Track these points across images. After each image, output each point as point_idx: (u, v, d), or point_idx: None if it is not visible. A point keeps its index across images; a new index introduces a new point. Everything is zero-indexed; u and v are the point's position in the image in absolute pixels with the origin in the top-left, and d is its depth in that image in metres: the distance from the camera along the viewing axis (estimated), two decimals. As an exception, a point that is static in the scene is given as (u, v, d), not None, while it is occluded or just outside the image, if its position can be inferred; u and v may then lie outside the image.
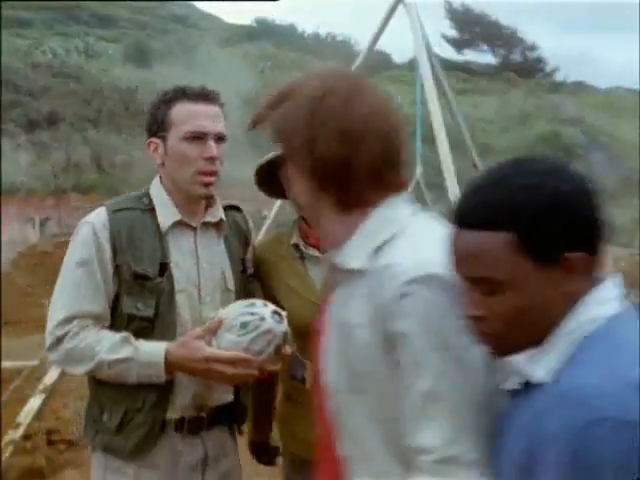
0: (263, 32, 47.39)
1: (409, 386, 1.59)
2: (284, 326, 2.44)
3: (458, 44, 50.38)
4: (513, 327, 1.51)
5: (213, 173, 2.54)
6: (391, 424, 1.65)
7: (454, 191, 6.32)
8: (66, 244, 2.73)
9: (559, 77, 50.51)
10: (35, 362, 7.41)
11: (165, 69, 38.02)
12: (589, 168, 37.72)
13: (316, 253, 2.71)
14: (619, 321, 1.47)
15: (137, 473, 2.52)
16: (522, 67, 48.34)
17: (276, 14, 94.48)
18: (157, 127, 2.57)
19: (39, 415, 6.18)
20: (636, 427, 1.29)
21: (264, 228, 7.49)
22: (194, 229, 2.62)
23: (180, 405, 2.56)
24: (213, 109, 2.57)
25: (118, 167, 28.92)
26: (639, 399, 1.30)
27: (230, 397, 2.68)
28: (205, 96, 2.56)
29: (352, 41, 57.07)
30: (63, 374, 7.40)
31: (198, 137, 2.51)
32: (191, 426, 2.56)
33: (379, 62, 56.22)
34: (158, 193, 2.59)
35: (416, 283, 1.57)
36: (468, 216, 1.52)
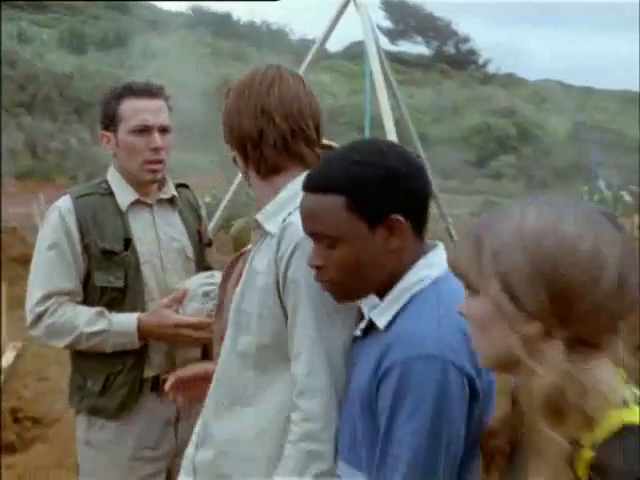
0: (199, 20, 47.25)
1: (293, 324, 1.93)
2: None
3: (392, 35, 50.85)
4: (346, 276, 1.80)
5: (159, 161, 2.82)
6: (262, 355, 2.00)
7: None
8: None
9: (491, 69, 51.33)
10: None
11: (100, 56, 37.86)
12: (521, 159, 38.62)
13: None
14: (443, 281, 1.76)
15: (118, 428, 2.82)
16: (455, 59, 48.98)
17: (211, 2, 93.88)
18: (109, 121, 2.85)
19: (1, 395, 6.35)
20: (449, 362, 1.63)
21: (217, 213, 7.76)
22: (150, 206, 2.91)
23: (155, 364, 2.83)
24: (157, 103, 2.85)
25: (53, 153, 28.71)
26: (455, 339, 1.64)
27: (198, 353, 2.94)
28: (149, 91, 2.83)
29: (287, 29, 57.42)
30: (19, 356, 7.60)
31: (144, 130, 2.79)
32: (165, 384, 2.75)
33: (314, 51, 56.49)
34: (114, 178, 2.88)
35: (305, 240, 1.89)
36: (312, 183, 1.82)
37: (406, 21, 48.69)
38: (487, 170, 35.62)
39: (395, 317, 1.78)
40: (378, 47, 7.72)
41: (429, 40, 50.70)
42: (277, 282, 1.94)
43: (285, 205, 2.00)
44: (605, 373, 1.34)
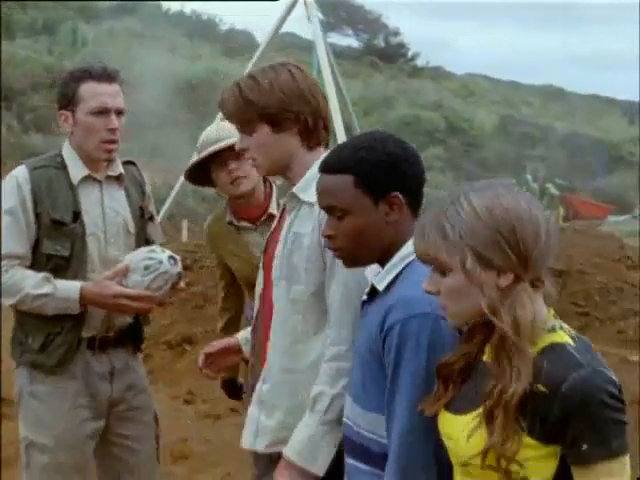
0: (128, 9, 46.70)
1: (330, 274, 2.39)
2: (178, 267, 3.09)
3: (323, 27, 50.93)
4: (353, 244, 2.18)
5: (114, 141, 3.09)
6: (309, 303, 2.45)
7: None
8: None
9: (420, 63, 51.84)
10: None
11: (28, 42, 37.22)
12: (449, 151, 39.22)
13: (246, 224, 3.45)
14: None
15: (58, 381, 3.10)
16: (385, 52, 49.35)
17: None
18: (67, 101, 3.09)
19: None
20: (439, 317, 1.98)
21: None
22: (100, 182, 3.16)
23: (92, 326, 3.13)
24: (114, 87, 3.11)
25: (-20, 141, 28.26)
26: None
27: (130, 320, 3.25)
28: (107, 76, 3.09)
29: (217, 19, 57.10)
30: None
31: (102, 112, 3.05)
32: (100, 344, 3.16)
33: (243, 42, 56.27)
34: (68, 154, 3.12)
35: None
36: (326, 165, 2.21)
37: (336, 13, 48.84)
38: (417, 162, 36.00)
39: (393, 281, 2.14)
40: (326, 44, 8.00)
41: (359, 33, 50.96)
42: (320, 242, 2.37)
43: (314, 179, 2.35)
44: (542, 306, 1.85)
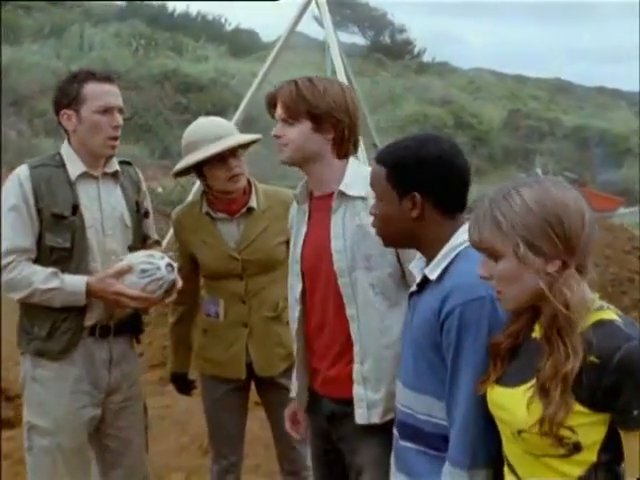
0: (133, 11, 46.77)
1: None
2: (174, 275, 3.32)
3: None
4: (383, 226, 2.49)
5: (117, 138, 3.35)
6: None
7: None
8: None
9: (426, 59, 51.70)
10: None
11: (36, 47, 37.32)
12: (457, 147, 39.02)
13: (224, 215, 3.63)
14: None
15: (61, 367, 3.31)
16: (391, 49, 49.24)
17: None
18: (69, 101, 3.31)
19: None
20: (495, 300, 2.18)
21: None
22: (97, 178, 3.39)
23: (95, 315, 3.35)
24: (115, 88, 3.36)
25: (-9, 147, 28.35)
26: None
27: (130, 310, 3.47)
28: (107, 77, 3.32)
29: (222, 20, 57.02)
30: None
31: (107, 110, 3.29)
32: (102, 331, 3.38)
33: (248, 41, 56.14)
34: (67, 152, 3.35)
35: None
36: (377, 155, 2.50)
37: (342, 11, 48.78)
38: (425, 158, 35.88)
39: (445, 270, 2.34)
40: (339, 44, 8.10)
41: (365, 30, 50.87)
42: None
43: (356, 176, 2.83)
44: (587, 289, 2.08)
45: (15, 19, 38.47)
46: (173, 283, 3.32)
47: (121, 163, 3.54)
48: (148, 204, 3.60)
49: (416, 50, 51.90)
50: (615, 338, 1.96)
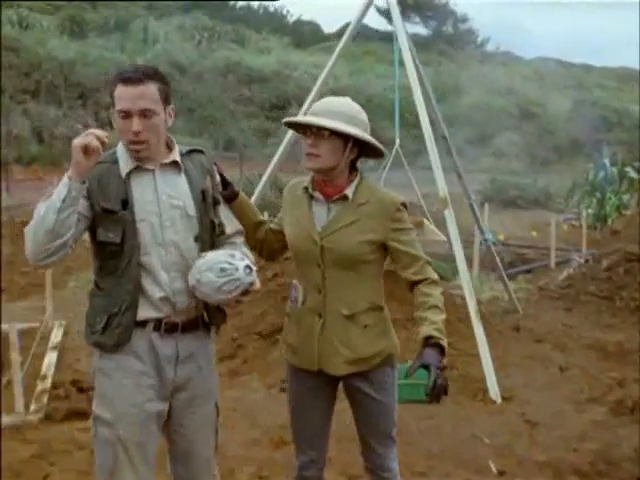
0: (196, 4, 47.18)
1: None
2: (252, 277, 3.20)
3: (390, 16, 50.65)
4: None
5: (139, 142, 3.17)
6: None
7: (434, 157, 7.03)
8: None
9: (489, 48, 51.28)
10: (36, 324, 7.85)
11: (101, 41, 37.86)
12: (522, 137, 38.76)
13: (319, 196, 3.49)
14: None
15: (122, 360, 3.24)
16: (454, 38, 48.96)
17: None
18: (112, 102, 3.23)
19: (58, 368, 6.62)
20: None
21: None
22: (152, 171, 3.27)
23: (156, 308, 3.22)
24: (140, 89, 3.16)
25: (59, 139, 28.83)
26: None
27: (201, 308, 3.33)
28: (133, 79, 3.14)
29: (284, 12, 57.32)
30: (65, 333, 7.88)
31: (125, 115, 3.14)
32: (167, 328, 3.26)
33: (310, 33, 56.36)
34: (121, 149, 3.27)
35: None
36: None
37: (404, 1, 48.62)
38: (490, 149, 35.72)
39: None
40: (407, 36, 8.00)
41: (427, 20, 50.63)
42: None
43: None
44: None
45: (80, 14, 39.07)
46: (250, 285, 3.25)
47: (192, 152, 3.45)
48: (217, 193, 3.54)
49: (479, 39, 51.53)
50: None
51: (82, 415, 5.47)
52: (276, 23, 52.40)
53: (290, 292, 3.55)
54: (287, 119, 3.48)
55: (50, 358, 6.88)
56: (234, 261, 3.18)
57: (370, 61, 44.61)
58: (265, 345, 7.16)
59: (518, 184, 25.36)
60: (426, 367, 3.05)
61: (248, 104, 35.80)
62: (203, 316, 3.35)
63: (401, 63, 8.16)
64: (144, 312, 3.23)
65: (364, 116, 3.40)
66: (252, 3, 50.82)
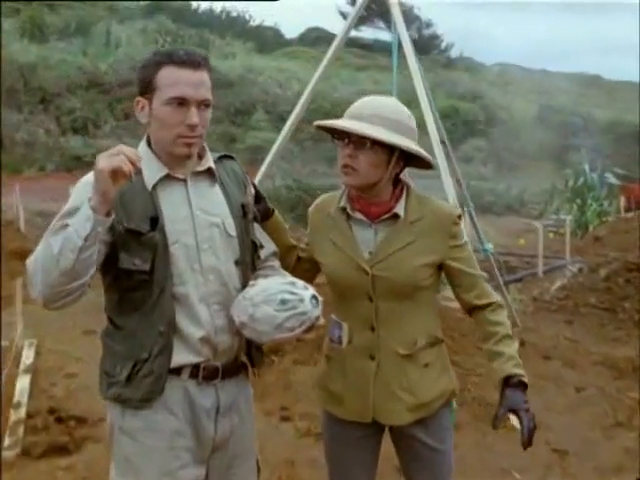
0: (158, 8, 46.57)
1: None
2: (318, 310, 2.55)
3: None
4: None
5: (193, 137, 2.56)
6: None
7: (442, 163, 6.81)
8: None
9: (453, 53, 51.38)
10: (6, 342, 7.19)
11: (62, 45, 37.08)
12: (489, 142, 38.69)
13: (361, 217, 2.86)
14: None
15: (153, 417, 2.58)
16: (418, 44, 48.83)
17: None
18: (144, 88, 2.56)
19: (32, 394, 6.05)
20: None
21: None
22: (184, 181, 2.63)
23: (194, 350, 2.60)
24: (199, 75, 2.56)
25: (20, 145, 28.09)
26: None
27: (241, 340, 2.70)
28: (191, 62, 2.54)
29: (247, 16, 56.76)
30: (38, 354, 7.24)
31: (180, 103, 2.52)
32: (206, 373, 2.62)
33: (271, 38, 56.01)
34: (144, 154, 2.56)
35: None
36: None
37: (368, 6, 48.39)
38: (457, 154, 35.53)
39: None
40: (411, 40, 7.84)
41: (392, 25, 50.45)
42: None
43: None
44: None
45: (41, 17, 38.26)
46: (316, 320, 2.58)
47: (222, 157, 2.80)
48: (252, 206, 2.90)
49: (443, 45, 51.51)
50: None
51: (63, 450, 4.89)
52: (239, 28, 51.95)
53: (331, 330, 2.92)
54: (320, 122, 2.82)
55: (22, 383, 6.18)
56: (297, 290, 2.56)
57: (335, 66, 44.34)
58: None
59: (492, 190, 25.18)
60: (514, 411, 2.61)
61: (213, 109, 35.27)
62: (240, 357, 2.79)
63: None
64: (179, 357, 2.58)
65: (414, 123, 2.81)
66: (215, 7, 49.95)
